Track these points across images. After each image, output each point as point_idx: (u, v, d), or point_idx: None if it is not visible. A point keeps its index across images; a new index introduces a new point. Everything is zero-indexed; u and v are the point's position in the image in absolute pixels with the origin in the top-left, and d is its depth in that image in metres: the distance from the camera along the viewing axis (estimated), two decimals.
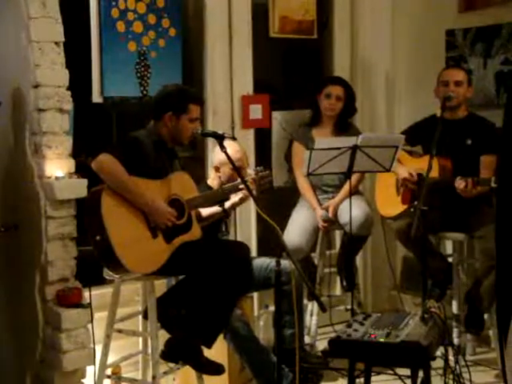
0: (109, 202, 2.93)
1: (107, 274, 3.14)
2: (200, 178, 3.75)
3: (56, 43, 3.15)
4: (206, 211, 3.41)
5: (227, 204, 3.41)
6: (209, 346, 3.12)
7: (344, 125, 4.19)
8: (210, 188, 3.62)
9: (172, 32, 3.96)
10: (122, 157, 2.96)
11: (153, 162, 3.10)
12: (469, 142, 3.84)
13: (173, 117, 3.17)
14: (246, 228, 4.31)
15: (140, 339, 3.42)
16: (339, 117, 4.19)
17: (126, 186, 2.96)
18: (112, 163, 2.94)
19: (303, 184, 4.15)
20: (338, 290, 4.50)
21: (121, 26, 3.76)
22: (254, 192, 3.20)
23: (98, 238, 2.90)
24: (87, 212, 2.97)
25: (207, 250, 3.15)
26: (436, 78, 3.97)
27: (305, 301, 3.97)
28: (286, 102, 4.54)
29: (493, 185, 3.38)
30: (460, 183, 3.55)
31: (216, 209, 3.42)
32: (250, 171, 3.45)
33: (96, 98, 3.72)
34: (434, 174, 3.58)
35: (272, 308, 3.78)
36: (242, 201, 3.39)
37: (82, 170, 3.22)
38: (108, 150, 2.98)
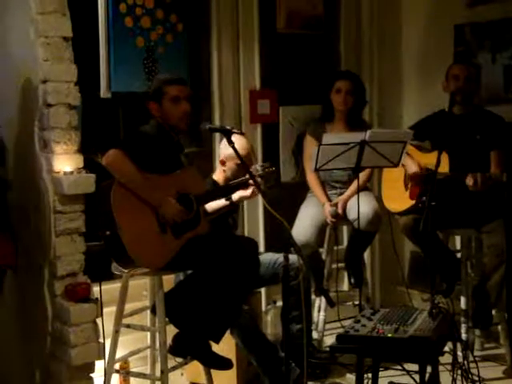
0: (119, 196, 2.94)
1: (115, 269, 3.15)
2: (207, 173, 3.74)
3: (64, 38, 3.15)
4: (211, 206, 3.40)
5: (235, 196, 3.40)
6: (217, 341, 3.12)
7: (357, 121, 4.17)
8: (215, 183, 3.61)
9: (180, 27, 3.96)
10: (132, 152, 2.97)
11: (161, 157, 3.11)
12: (478, 136, 3.82)
13: (155, 105, 3.20)
14: (253, 223, 4.30)
15: (148, 334, 3.43)
16: (351, 111, 4.17)
17: (135, 182, 2.97)
18: (122, 159, 2.95)
19: (312, 178, 4.15)
20: (345, 286, 4.49)
21: (129, 21, 3.76)
22: (262, 187, 3.20)
23: (108, 231, 2.92)
24: (98, 206, 2.98)
25: (215, 245, 3.15)
26: (444, 72, 3.95)
27: (312, 296, 3.96)
28: (293, 97, 4.53)
29: (504, 180, 3.36)
30: (471, 180, 3.53)
31: (223, 202, 3.42)
32: (257, 167, 3.45)
33: (104, 93, 3.72)
34: (444, 169, 3.57)
35: (280, 303, 3.78)
36: (252, 195, 3.38)
37: (90, 166, 3.22)
38: (117, 146, 3.00)
